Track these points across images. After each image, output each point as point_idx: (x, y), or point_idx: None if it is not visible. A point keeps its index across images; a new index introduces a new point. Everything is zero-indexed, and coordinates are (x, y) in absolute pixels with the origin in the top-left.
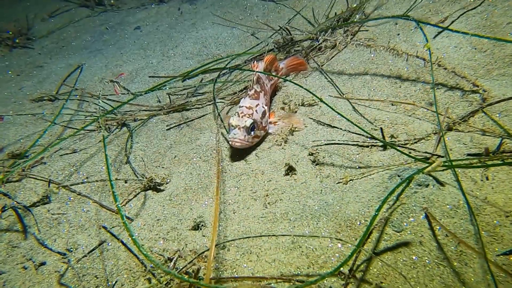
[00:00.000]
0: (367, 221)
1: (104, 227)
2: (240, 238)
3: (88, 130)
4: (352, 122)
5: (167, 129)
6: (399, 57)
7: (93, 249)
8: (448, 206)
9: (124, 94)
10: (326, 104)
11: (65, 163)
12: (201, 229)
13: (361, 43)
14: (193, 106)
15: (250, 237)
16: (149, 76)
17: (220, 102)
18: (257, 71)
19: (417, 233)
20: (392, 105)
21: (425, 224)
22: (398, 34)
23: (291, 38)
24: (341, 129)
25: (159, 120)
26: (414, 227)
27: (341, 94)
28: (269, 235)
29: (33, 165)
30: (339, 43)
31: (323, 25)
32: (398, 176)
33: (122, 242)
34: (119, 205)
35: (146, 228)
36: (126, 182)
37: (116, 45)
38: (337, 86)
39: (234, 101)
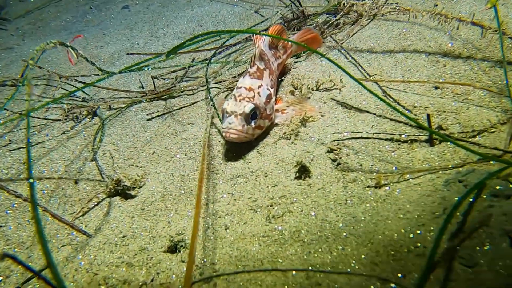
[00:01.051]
0: (418, 247)
1: (10, 256)
2: (233, 273)
3: (51, 120)
4: (390, 106)
5: (147, 119)
6: (439, 30)
7: (30, 279)
8: None
9: (97, 74)
10: (353, 78)
11: (15, 159)
12: (179, 251)
13: (397, 8)
14: (182, 92)
15: (245, 271)
16: (127, 53)
17: (216, 87)
18: (265, 34)
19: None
20: (436, 88)
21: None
22: (436, 5)
23: (302, 11)
24: (375, 114)
25: (140, 108)
26: (493, 261)
27: (367, 76)
28: (273, 270)
29: None
30: (368, 9)
31: None
32: (460, 181)
33: (49, 283)
34: (39, 223)
35: (106, 248)
36: (76, 182)
37: (99, 26)
38: (361, 67)
39: (232, 85)
